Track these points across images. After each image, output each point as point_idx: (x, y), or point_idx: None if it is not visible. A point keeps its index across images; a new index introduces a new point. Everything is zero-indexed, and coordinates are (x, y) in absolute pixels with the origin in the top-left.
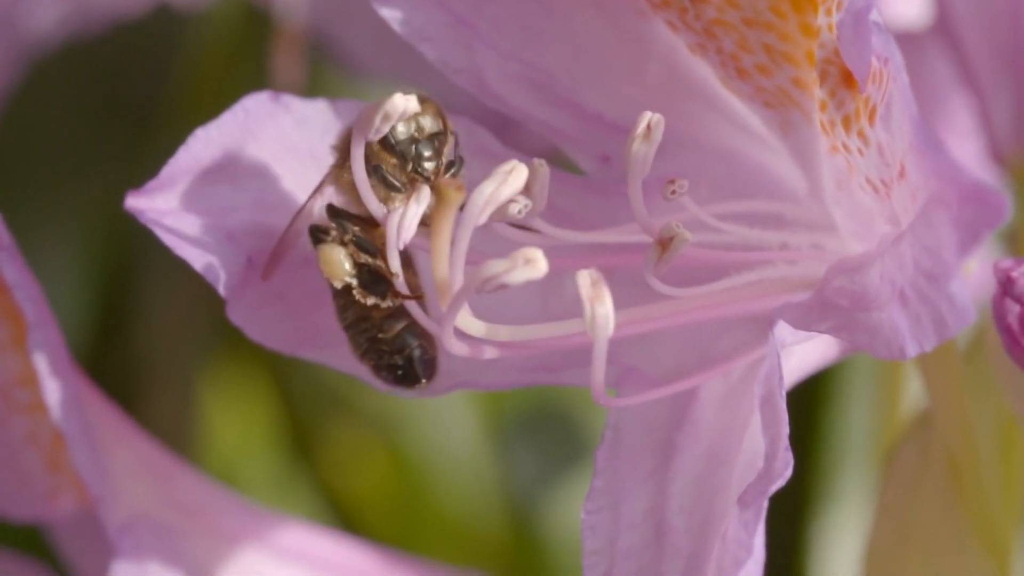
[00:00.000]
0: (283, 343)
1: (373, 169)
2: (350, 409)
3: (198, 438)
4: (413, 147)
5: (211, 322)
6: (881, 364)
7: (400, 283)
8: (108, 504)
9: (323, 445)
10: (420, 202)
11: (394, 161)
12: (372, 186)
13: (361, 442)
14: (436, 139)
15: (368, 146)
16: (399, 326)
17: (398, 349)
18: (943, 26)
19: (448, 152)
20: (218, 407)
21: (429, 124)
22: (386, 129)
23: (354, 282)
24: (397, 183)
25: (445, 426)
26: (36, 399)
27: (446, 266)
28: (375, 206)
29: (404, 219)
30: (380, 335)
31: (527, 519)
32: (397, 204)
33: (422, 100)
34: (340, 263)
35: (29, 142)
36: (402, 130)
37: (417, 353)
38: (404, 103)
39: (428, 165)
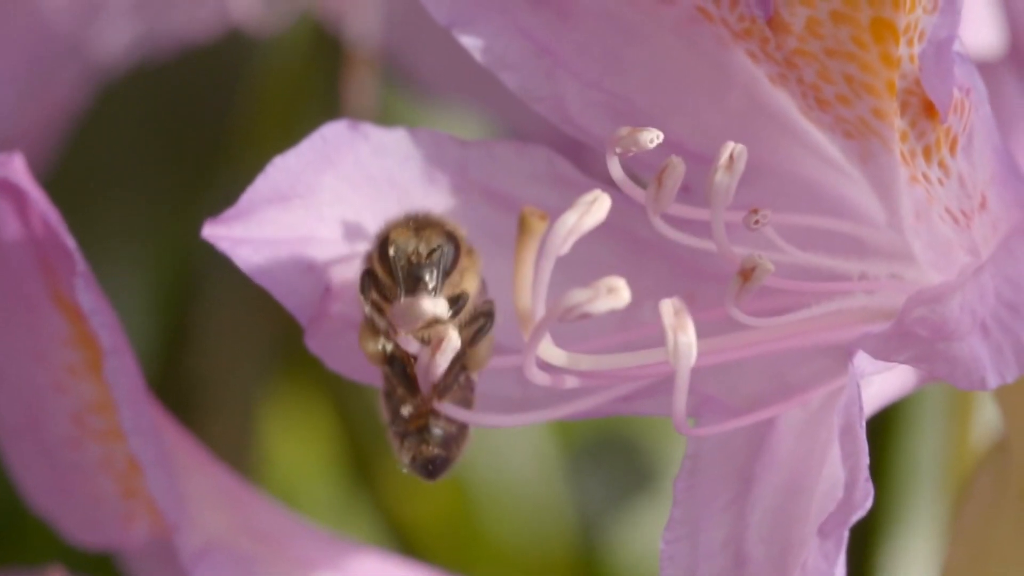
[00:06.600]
0: (361, 372)
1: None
2: None
3: (258, 461)
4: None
5: (271, 345)
6: (951, 392)
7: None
8: (184, 531)
9: (383, 469)
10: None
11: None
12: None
13: None
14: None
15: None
16: (421, 423)
17: (410, 447)
18: (1016, 54)
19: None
20: (278, 430)
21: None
22: None
23: (387, 368)
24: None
25: (506, 452)
26: (111, 425)
27: (528, 296)
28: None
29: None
30: (404, 419)
31: (590, 546)
32: None
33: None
34: (376, 350)
35: (97, 164)
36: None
37: (424, 458)
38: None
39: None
